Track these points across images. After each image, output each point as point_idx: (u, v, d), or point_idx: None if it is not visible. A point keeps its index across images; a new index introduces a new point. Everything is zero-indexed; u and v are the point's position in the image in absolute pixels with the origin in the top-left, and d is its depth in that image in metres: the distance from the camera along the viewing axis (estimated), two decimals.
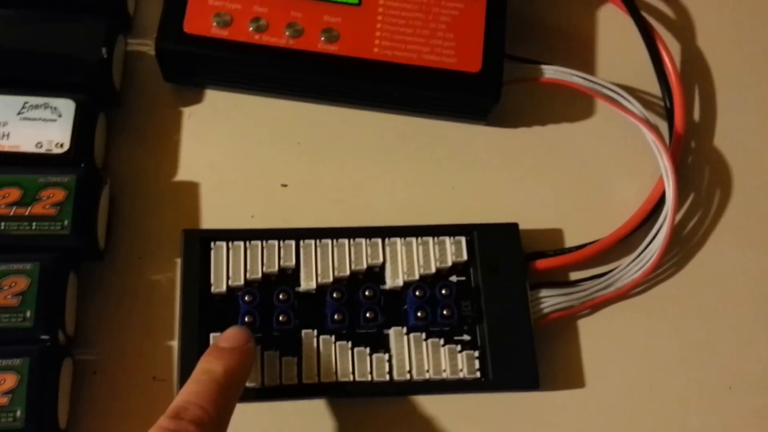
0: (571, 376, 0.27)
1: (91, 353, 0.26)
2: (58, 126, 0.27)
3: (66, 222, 0.25)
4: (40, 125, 0.27)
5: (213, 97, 0.30)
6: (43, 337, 0.24)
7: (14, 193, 0.25)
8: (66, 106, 0.27)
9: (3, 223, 0.25)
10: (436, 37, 0.28)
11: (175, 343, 0.26)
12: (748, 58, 0.32)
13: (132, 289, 0.27)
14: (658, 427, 0.26)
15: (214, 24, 0.27)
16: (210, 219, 0.28)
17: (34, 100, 0.27)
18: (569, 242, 0.28)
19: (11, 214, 0.25)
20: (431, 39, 0.28)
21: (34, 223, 0.25)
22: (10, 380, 0.23)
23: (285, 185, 0.29)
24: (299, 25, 0.27)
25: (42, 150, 0.26)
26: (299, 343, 0.26)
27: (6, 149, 0.26)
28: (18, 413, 0.23)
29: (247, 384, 0.25)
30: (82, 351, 0.26)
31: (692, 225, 0.29)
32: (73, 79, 0.27)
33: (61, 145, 0.26)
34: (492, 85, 0.27)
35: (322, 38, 0.27)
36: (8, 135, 0.26)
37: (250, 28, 0.27)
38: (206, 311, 0.26)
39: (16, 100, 0.27)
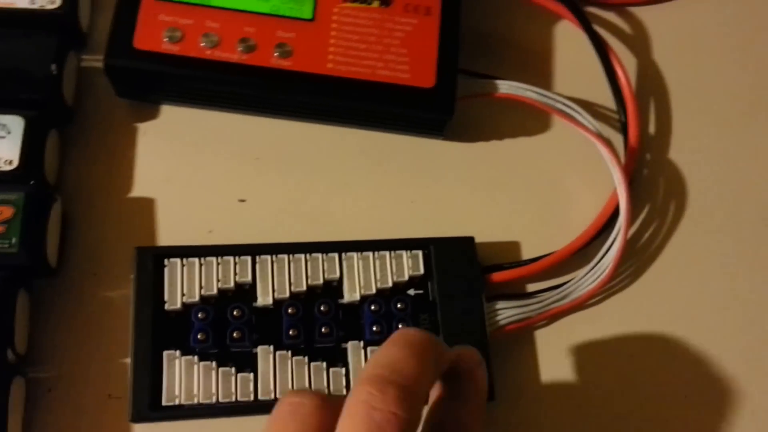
0: (528, 388, 0.27)
1: (45, 371, 0.26)
2: (7, 143, 0.26)
3: (14, 240, 0.25)
4: None
5: (169, 112, 0.30)
6: None
7: None
8: (15, 123, 0.27)
9: None
10: (390, 52, 0.28)
11: (129, 361, 0.26)
12: (701, 71, 0.32)
13: (86, 307, 0.27)
14: None
15: (165, 39, 0.27)
16: (166, 235, 0.28)
17: None
18: (526, 255, 0.29)
19: None
20: (385, 54, 0.28)
21: None
22: None
23: (243, 200, 0.29)
24: (252, 41, 0.27)
25: None
26: (255, 359, 0.25)
27: None
28: None
29: (201, 401, 0.25)
30: (36, 369, 0.26)
31: (647, 236, 0.30)
32: (24, 95, 0.27)
33: (10, 162, 0.26)
34: (446, 100, 0.28)
35: (276, 54, 0.27)
36: None
37: (202, 44, 0.27)
38: (160, 328, 0.25)
39: None
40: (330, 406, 0.18)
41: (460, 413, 0.20)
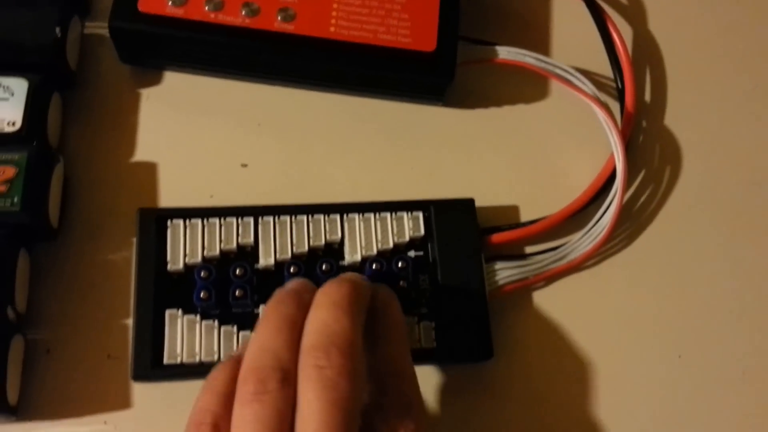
0: (524, 346, 0.27)
1: (44, 332, 0.26)
2: (11, 105, 0.26)
3: (16, 199, 0.25)
4: None
5: (172, 78, 0.30)
6: None
7: None
8: (18, 85, 0.27)
9: None
10: (392, 17, 0.28)
11: (129, 321, 0.26)
12: (697, 39, 0.33)
13: (87, 269, 0.27)
14: (609, 395, 0.27)
15: (170, 2, 0.27)
16: (168, 199, 0.28)
17: None
18: (524, 218, 0.29)
19: None
20: (387, 19, 0.28)
21: None
22: None
23: (245, 165, 0.29)
24: (255, 5, 0.28)
25: None
26: (257, 319, 0.26)
27: None
28: None
29: (203, 359, 0.25)
30: (35, 330, 0.26)
31: (643, 200, 0.30)
32: (27, 59, 0.27)
33: (13, 124, 0.26)
34: (446, 64, 0.28)
35: (279, 17, 0.28)
36: None
37: (206, 7, 0.27)
38: (162, 289, 0.25)
39: None
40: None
41: (386, 350, 0.22)
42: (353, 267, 0.27)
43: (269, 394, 0.19)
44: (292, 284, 0.23)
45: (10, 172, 0.25)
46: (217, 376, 0.22)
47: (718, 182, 0.31)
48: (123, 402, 0.25)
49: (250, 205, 0.27)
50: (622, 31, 0.31)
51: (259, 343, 0.21)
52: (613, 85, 0.31)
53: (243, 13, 0.28)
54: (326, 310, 0.21)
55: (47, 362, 0.25)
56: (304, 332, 0.21)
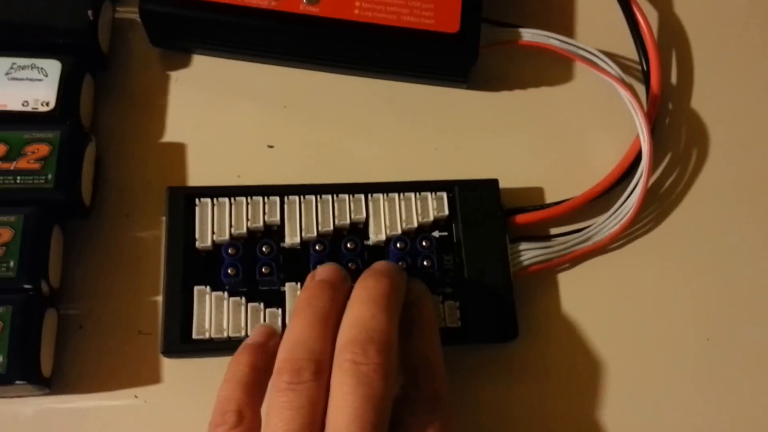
0: (549, 327, 0.27)
1: (77, 308, 0.26)
2: (45, 85, 0.27)
3: (50, 176, 0.25)
4: (27, 85, 0.27)
5: (200, 61, 0.31)
6: (26, 286, 0.24)
7: (0, 149, 0.26)
8: (52, 67, 0.27)
9: None
10: None
11: (160, 298, 0.26)
12: (723, 20, 0.33)
13: (118, 246, 0.27)
14: (636, 378, 0.27)
15: None
16: (196, 178, 0.29)
17: (21, 61, 0.27)
18: (549, 200, 0.29)
19: None
20: (410, 1, 0.28)
21: (18, 177, 0.25)
22: None
23: (271, 146, 0.30)
24: None
25: (28, 108, 0.27)
26: (283, 297, 0.26)
27: None
28: (0, 359, 0.23)
29: (231, 335, 0.25)
30: (68, 306, 0.26)
31: (669, 183, 0.30)
32: (60, 41, 0.28)
33: (47, 104, 0.27)
34: (470, 44, 0.28)
35: (304, 0, 0.28)
36: None
37: None
38: (191, 266, 0.26)
39: (4, 61, 0.27)
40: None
41: (419, 345, 0.23)
42: (378, 246, 0.27)
43: (303, 384, 0.20)
44: (324, 272, 0.23)
45: (44, 150, 0.26)
46: (238, 364, 0.22)
47: (745, 164, 0.30)
48: (153, 376, 0.26)
49: (276, 184, 0.28)
50: (647, 13, 0.31)
51: (294, 336, 0.21)
52: (638, 67, 0.31)
53: None
54: (365, 306, 0.21)
55: (80, 337, 0.26)
56: (341, 326, 0.21)
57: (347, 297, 0.23)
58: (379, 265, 0.24)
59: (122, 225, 0.28)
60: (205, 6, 0.28)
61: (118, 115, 0.29)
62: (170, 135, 0.29)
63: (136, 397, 0.25)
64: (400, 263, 0.26)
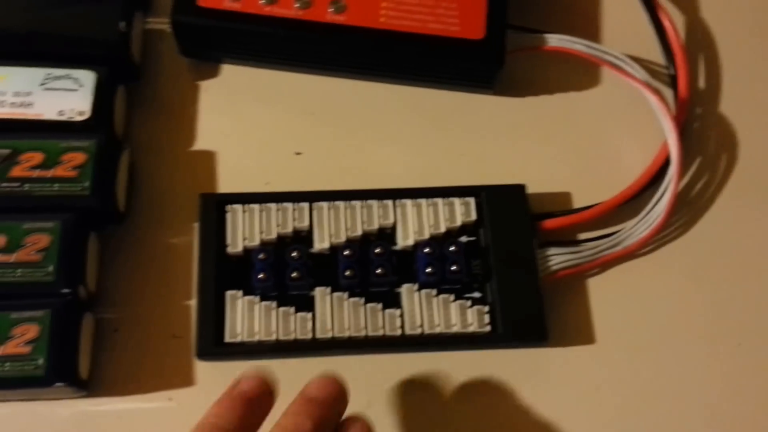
0: (579, 332, 0.27)
1: (112, 312, 0.27)
2: (80, 95, 0.28)
3: (86, 183, 0.26)
4: (63, 95, 0.28)
5: (229, 71, 0.31)
6: (65, 290, 0.25)
7: (37, 157, 0.26)
8: (87, 77, 0.28)
9: (27, 185, 0.26)
10: (440, 6, 0.29)
11: (192, 302, 0.27)
12: (751, 23, 0.33)
13: (151, 252, 0.28)
14: (666, 383, 0.27)
15: None
16: (226, 186, 0.29)
17: (56, 71, 0.28)
18: (576, 205, 0.29)
19: (35, 176, 0.26)
20: (435, 8, 0.29)
21: (56, 185, 0.26)
22: (32, 331, 0.24)
23: (299, 153, 0.30)
24: None
25: (64, 118, 0.27)
26: (313, 301, 0.26)
27: (30, 117, 0.27)
28: (40, 361, 0.23)
29: (262, 338, 0.26)
30: (103, 310, 0.27)
31: (699, 187, 0.30)
32: (94, 52, 0.29)
33: (82, 113, 0.28)
34: (496, 51, 0.28)
35: (330, 9, 0.28)
36: (32, 104, 0.28)
37: (261, 1, 0.28)
38: (223, 271, 0.26)
39: (40, 72, 0.28)
40: None
41: None
42: (405, 251, 0.27)
43: None
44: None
45: (80, 158, 0.27)
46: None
47: None
48: (187, 379, 0.26)
49: (304, 191, 0.28)
50: (673, 16, 0.31)
51: None
52: (665, 71, 0.31)
53: (296, 5, 0.28)
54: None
55: (115, 340, 0.26)
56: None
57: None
58: (314, 387, 0.22)
59: (155, 231, 0.28)
60: (235, 17, 0.28)
61: (150, 124, 0.30)
62: (200, 143, 0.30)
63: (170, 399, 0.26)
64: (428, 269, 0.26)
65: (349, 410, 0.23)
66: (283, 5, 0.28)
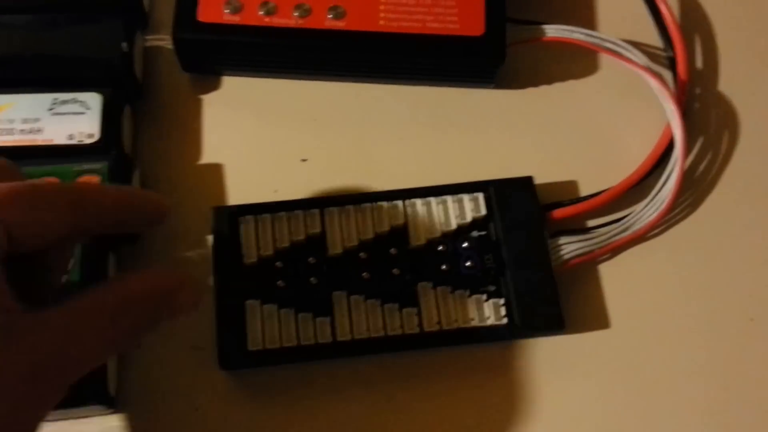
0: (595, 318, 0.27)
1: None
2: (87, 118, 0.28)
3: None
4: (71, 119, 0.28)
5: (230, 83, 0.31)
6: None
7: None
8: (93, 100, 0.28)
9: None
10: (438, 5, 0.29)
11: (210, 314, 0.27)
12: (746, 2, 0.33)
13: (167, 266, 0.28)
14: (683, 360, 0.27)
15: (226, 11, 0.29)
16: (236, 196, 0.29)
17: (63, 96, 0.28)
18: (584, 193, 0.29)
19: None
20: (434, 8, 0.29)
21: None
22: None
23: (305, 160, 0.30)
24: (306, 5, 0.29)
25: (74, 141, 0.28)
26: (331, 305, 0.27)
27: (40, 143, 0.28)
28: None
29: (284, 344, 0.26)
30: None
31: (703, 166, 0.30)
32: (98, 74, 0.29)
33: (92, 136, 0.28)
34: (496, 46, 0.28)
35: (329, 16, 0.29)
36: (42, 130, 0.28)
37: (260, 12, 0.29)
38: (240, 281, 0.27)
39: (46, 97, 0.28)
40: None
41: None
42: (419, 250, 0.27)
43: None
44: None
45: (94, 180, 0.27)
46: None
47: None
48: (211, 390, 0.26)
49: (313, 196, 0.28)
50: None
51: None
52: (664, 54, 0.31)
53: (295, 14, 0.29)
54: None
55: (137, 356, 0.27)
56: None
57: None
58: None
59: (169, 246, 0.29)
60: (236, 30, 0.28)
61: (157, 141, 0.30)
62: (207, 156, 0.30)
63: (196, 410, 0.26)
64: (443, 266, 0.27)
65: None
66: (282, 15, 0.29)
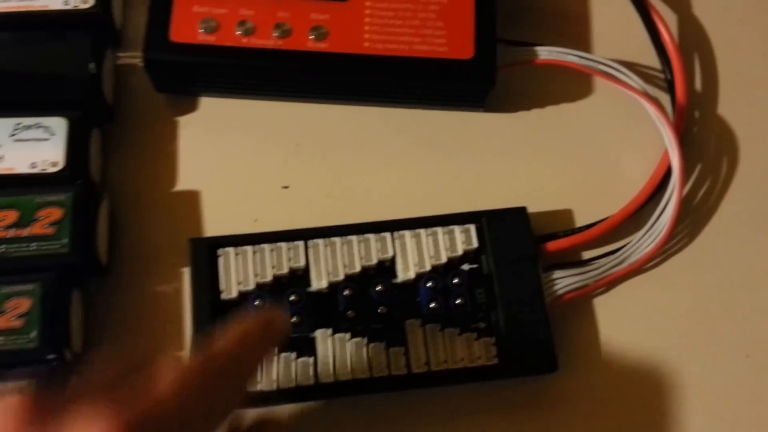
0: (590, 356, 0.26)
1: None
2: (52, 145, 0.26)
3: (65, 240, 0.25)
4: (34, 145, 0.26)
5: (208, 104, 0.30)
6: (50, 356, 0.23)
7: (11, 215, 0.25)
8: (58, 125, 0.27)
9: (3, 246, 0.24)
10: (426, 26, 0.27)
11: (185, 353, 0.26)
12: (746, 22, 0.32)
13: (139, 302, 0.27)
14: (679, 398, 0.26)
15: (201, 30, 0.27)
16: (213, 226, 0.28)
17: (26, 120, 0.27)
18: (579, 222, 0.28)
19: (10, 236, 0.25)
20: (421, 29, 0.27)
21: (33, 244, 0.25)
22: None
23: (286, 187, 0.29)
24: (287, 25, 0.27)
25: (37, 170, 0.26)
26: (314, 344, 0.25)
27: (1, 172, 0.26)
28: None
29: (263, 388, 0.24)
30: None
31: (702, 194, 0.29)
32: (64, 96, 0.27)
33: (56, 164, 0.26)
34: (486, 71, 0.27)
35: (311, 37, 0.27)
36: (2, 157, 0.26)
37: (238, 32, 0.27)
38: (218, 318, 0.25)
39: (8, 122, 0.26)
40: None
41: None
42: (407, 285, 0.26)
43: None
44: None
45: (56, 214, 0.25)
46: None
47: None
48: None
49: (296, 227, 0.27)
50: (667, 18, 0.30)
51: None
52: (662, 76, 0.30)
53: (275, 34, 0.27)
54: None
55: None
56: None
57: None
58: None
59: (142, 280, 0.27)
60: (210, 51, 0.27)
61: (129, 166, 0.29)
62: (183, 183, 0.28)
63: None
64: (432, 304, 0.25)
65: None
66: (261, 35, 0.27)
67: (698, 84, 0.31)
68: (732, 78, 0.31)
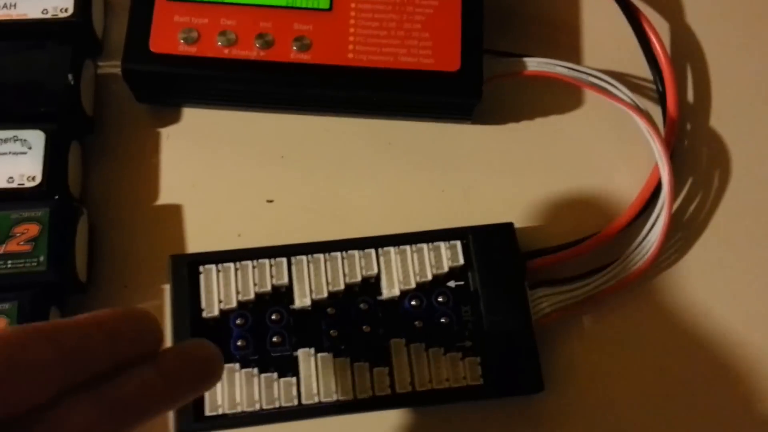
0: (577, 375, 0.26)
1: None
2: (29, 158, 0.26)
3: (42, 258, 0.24)
4: (10, 159, 0.26)
5: (191, 115, 0.29)
6: None
7: None
8: (36, 138, 0.26)
9: None
10: (412, 37, 0.27)
11: None
12: (739, 33, 0.31)
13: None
14: (670, 416, 0.26)
15: (181, 41, 0.26)
16: (195, 241, 0.27)
17: (2, 133, 0.26)
18: (567, 237, 0.27)
19: None
20: (407, 40, 0.27)
21: (9, 262, 0.24)
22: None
23: (271, 201, 0.28)
24: (269, 36, 0.26)
25: (14, 185, 0.25)
26: (297, 363, 0.25)
27: None
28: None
29: (245, 409, 0.24)
30: None
31: (693, 208, 0.28)
32: (42, 109, 0.26)
33: (33, 178, 0.26)
34: (473, 83, 0.26)
35: (294, 47, 0.26)
36: None
37: (219, 43, 0.26)
38: (199, 336, 0.25)
39: None
40: None
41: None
42: (392, 302, 0.26)
43: None
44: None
45: (33, 230, 0.25)
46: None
47: None
48: None
49: (280, 243, 0.26)
50: (658, 28, 0.29)
51: None
52: (653, 87, 0.29)
53: (257, 45, 0.26)
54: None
55: None
56: None
57: None
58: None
59: (122, 297, 0.26)
60: (191, 62, 0.26)
61: (109, 179, 0.28)
62: (165, 196, 0.28)
63: None
64: (417, 323, 0.25)
65: None
66: (243, 47, 0.26)
67: (690, 96, 0.30)
68: (724, 90, 0.30)
